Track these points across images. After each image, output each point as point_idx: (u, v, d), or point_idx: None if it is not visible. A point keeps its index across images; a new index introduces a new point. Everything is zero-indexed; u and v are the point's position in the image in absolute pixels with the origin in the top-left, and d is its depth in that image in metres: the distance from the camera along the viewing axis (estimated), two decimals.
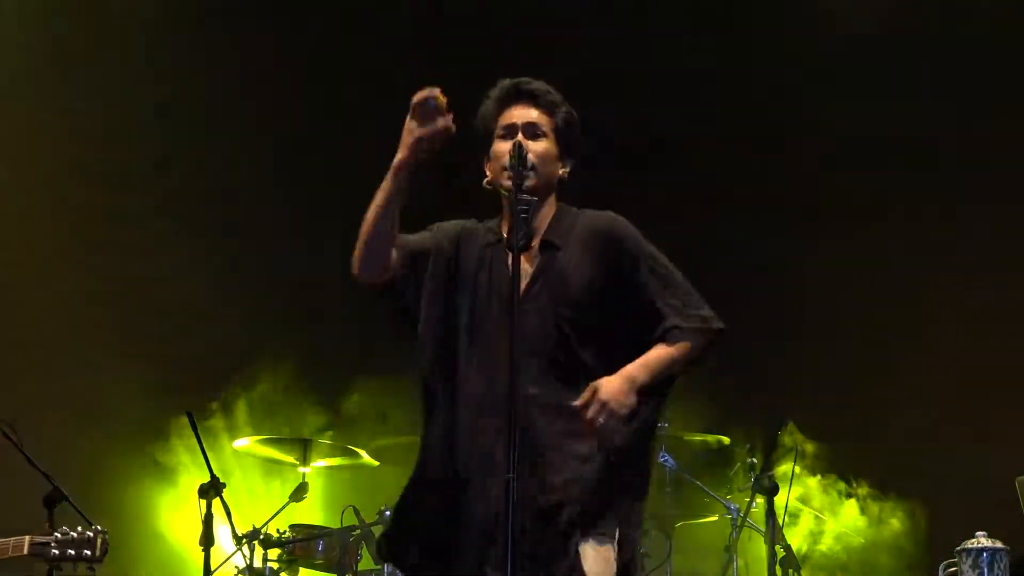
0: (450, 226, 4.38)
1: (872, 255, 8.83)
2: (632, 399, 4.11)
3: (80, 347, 8.35)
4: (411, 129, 4.11)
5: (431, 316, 4.27)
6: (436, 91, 4.10)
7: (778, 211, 8.91)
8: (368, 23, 9.10)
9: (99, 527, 5.47)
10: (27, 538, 5.52)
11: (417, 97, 4.10)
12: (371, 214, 4.17)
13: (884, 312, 8.75)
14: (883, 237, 8.82)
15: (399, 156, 4.14)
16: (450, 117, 4.11)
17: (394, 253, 4.23)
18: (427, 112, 4.10)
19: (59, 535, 5.43)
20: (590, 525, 4.12)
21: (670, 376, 4.27)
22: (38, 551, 5.47)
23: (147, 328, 8.48)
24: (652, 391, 4.20)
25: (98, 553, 5.42)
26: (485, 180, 4.34)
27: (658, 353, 4.21)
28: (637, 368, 4.16)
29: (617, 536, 4.15)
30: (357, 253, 4.21)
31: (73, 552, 5.39)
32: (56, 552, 5.41)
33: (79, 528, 5.47)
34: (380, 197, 4.16)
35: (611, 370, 4.15)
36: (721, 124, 9.05)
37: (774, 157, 9.02)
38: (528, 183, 4.19)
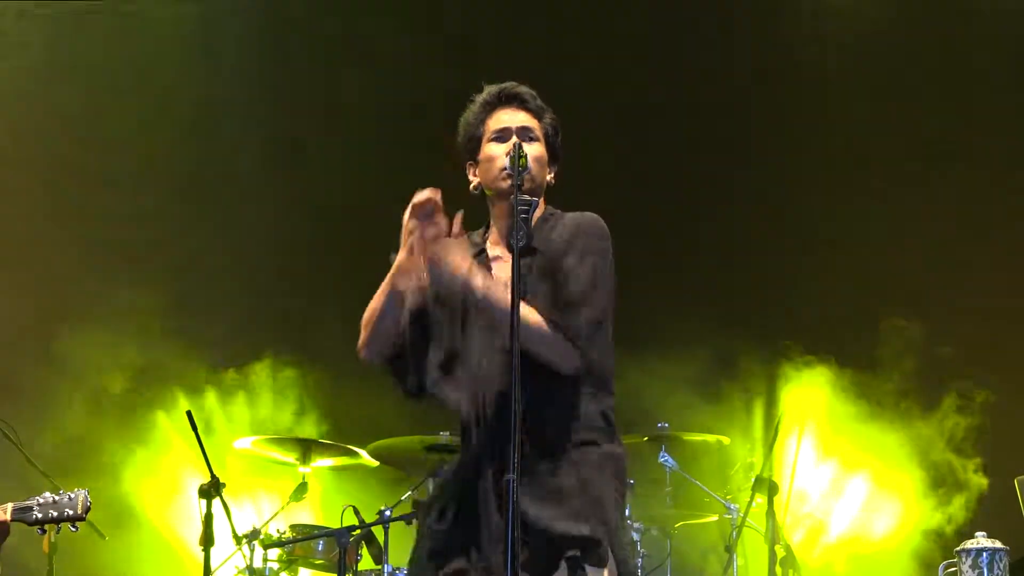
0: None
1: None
2: (443, 268, 4.03)
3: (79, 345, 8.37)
4: (411, 229, 4.11)
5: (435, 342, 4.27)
6: (436, 194, 4.11)
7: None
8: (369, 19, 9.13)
9: (79, 488, 5.51)
10: (9, 505, 5.55)
11: (417, 199, 4.11)
12: (376, 306, 4.21)
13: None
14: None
15: (400, 256, 4.13)
16: (446, 220, 4.09)
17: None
18: (426, 214, 4.10)
19: (40, 499, 5.46)
20: (588, 550, 4.10)
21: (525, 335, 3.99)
22: (20, 516, 5.51)
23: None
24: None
25: (80, 511, 5.47)
26: (472, 185, 4.35)
27: (529, 310, 4.03)
28: (481, 274, 4.07)
29: (611, 562, 4.15)
30: (362, 339, 4.25)
31: (55, 512, 5.43)
32: (39, 515, 5.44)
33: (60, 490, 5.51)
34: (384, 295, 4.19)
35: (589, 371, 4.14)
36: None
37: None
38: (526, 184, 4.20)
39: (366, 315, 4.24)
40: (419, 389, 4.28)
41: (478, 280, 4.07)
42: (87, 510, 5.52)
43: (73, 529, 5.65)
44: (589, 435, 4.17)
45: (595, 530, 4.08)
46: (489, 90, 4.38)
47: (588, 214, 4.33)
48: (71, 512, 5.47)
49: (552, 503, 4.07)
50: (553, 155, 4.38)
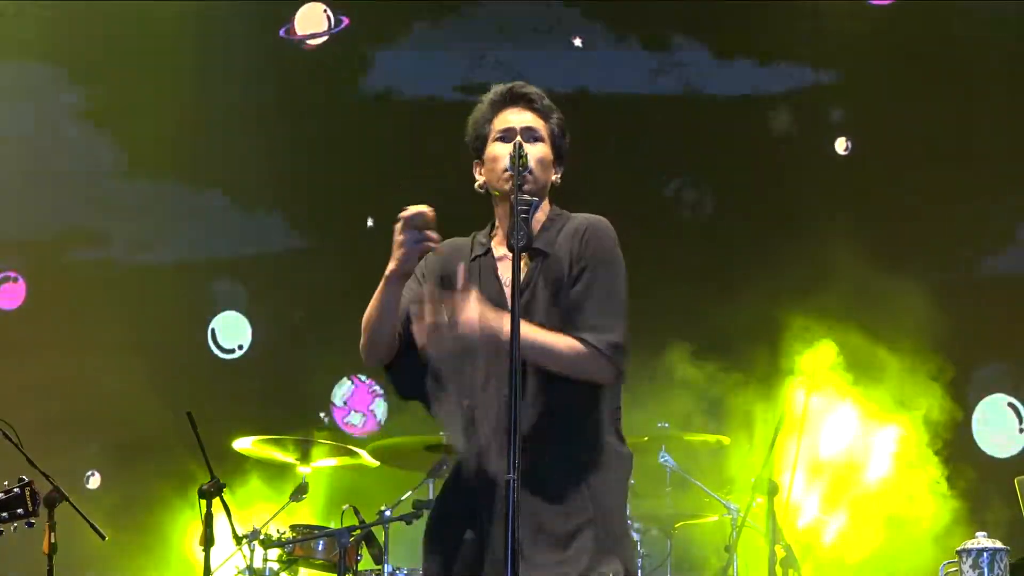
0: (437, 253, 4.29)
1: None
2: (474, 325, 4.07)
3: (79, 346, 8.38)
4: (400, 242, 4.12)
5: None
6: (425, 209, 4.12)
7: None
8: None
9: (23, 477, 5.38)
10: None
11: (406, 213, 4.12)
12: (371, 315, 4.21)
13: None
14: None
15: (390, 267, 4.15)
16: (435, 235, 4.12)
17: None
18: (416, 226, 4.10)
19: None
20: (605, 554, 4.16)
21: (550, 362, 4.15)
22: None
23: (148, 328, 8.51)
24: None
25: (31, 507, 5.33)
26: (477, 184, 4.36)
27: (554, 336, 4.13)
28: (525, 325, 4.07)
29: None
30: (363, 345, 4.26)
31: (7, 514, 5.32)
32: None
33: (5, 483, 5.39)
34: (377, 303, 4.19)
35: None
36: None
37: None
38: (527, 185, 4.20)
39: (364, 320, 4.24)
40: (413, 391, 4.29)
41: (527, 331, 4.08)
42: (37, 503, 5.35)
43: (28, 527, 5.44)
44: (606, 436, 4.30)
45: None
46: (497, 89, 4.39)
47: (596, 219, 4.33)
48: (22, 510, 5.33)
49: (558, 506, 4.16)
50: (559, 156, 4.38)
